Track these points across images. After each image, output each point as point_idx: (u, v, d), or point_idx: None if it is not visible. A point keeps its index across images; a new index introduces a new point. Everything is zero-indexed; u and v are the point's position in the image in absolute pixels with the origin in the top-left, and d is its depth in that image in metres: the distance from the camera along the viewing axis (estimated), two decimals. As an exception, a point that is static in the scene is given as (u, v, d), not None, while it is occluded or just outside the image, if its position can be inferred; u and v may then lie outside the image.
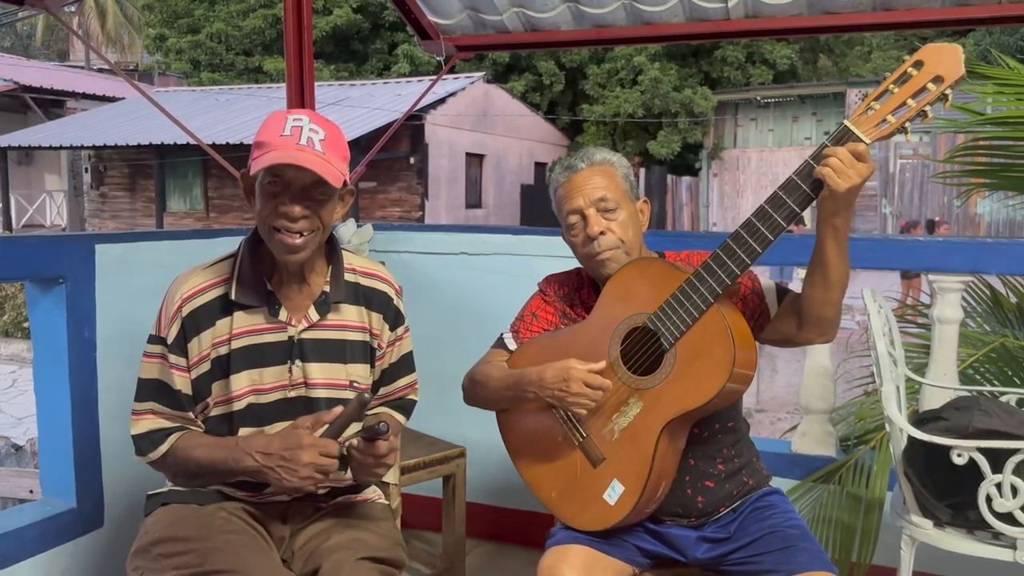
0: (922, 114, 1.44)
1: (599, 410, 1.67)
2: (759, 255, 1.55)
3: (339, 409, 1.55)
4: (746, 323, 1.64)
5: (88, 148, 19.22)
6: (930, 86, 1.42)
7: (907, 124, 1.45)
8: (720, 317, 1.57)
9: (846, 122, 1.47)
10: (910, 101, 1.43)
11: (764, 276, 1.77)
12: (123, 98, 21.07)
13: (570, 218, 1.77)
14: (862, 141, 1.45)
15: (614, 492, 1.66)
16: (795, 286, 1.76)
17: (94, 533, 2.28)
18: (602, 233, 1.72)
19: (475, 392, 1.86)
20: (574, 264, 1.93)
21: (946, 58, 1.41)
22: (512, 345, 1.87)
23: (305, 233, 1.57)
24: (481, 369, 1.85)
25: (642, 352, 1.67)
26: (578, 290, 1.88)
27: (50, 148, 19.21)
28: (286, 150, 1.51)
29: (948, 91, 1.42)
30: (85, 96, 21.68)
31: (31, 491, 5.07)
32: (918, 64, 1.43)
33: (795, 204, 1.50)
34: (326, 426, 1.55)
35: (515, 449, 1.86)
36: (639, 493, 1.63)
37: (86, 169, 20.72)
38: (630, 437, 1.65)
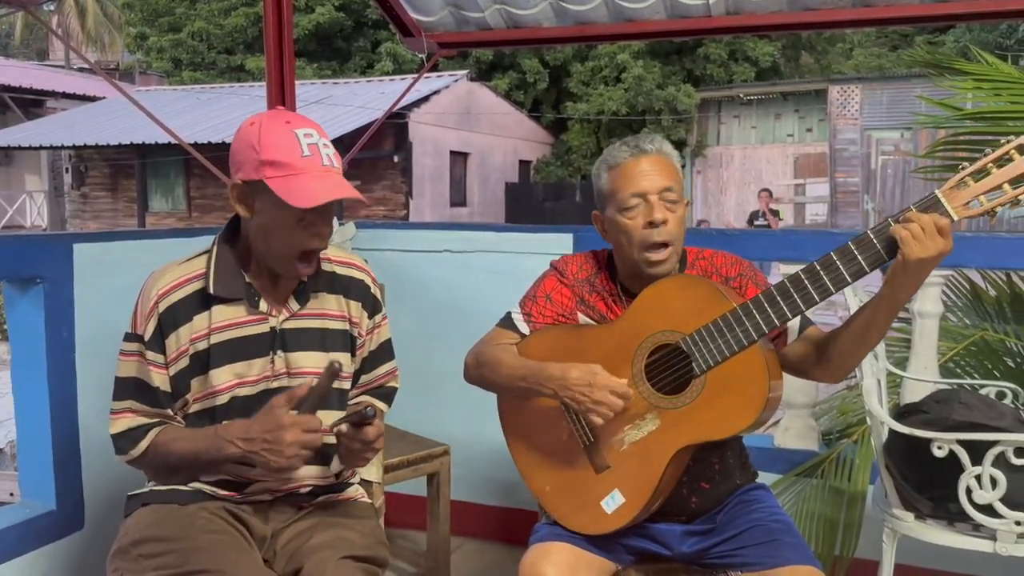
0: (1015, 201, 1.38)
1: (613, 418, 1.63)
2: (815, 304, 1.51)
3: (311, 381, 1.53)
4: (778, 363, 1.62)
5: (68, 148, 19.06)
6: None
7: (997, 208, 1.40)
8: (760, 355, 1.55)
9: (937, 192, 1.42)
10: (1007, 187, 1.38)
11: None
12: (103, 97, 20.89)
13: (631, 200, 1.67)
14: (949, 215, 1.40)
15: (613, 501, 1.65)
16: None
17: (74, 535, 2.25)
18: (664, 221, 1.65)
19: (481, 374, 1.79)
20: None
21: None
22: (524, 328, 1.80)
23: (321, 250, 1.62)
24: (491, 352, 1.77)
25: (668, 371, 1.64)
26: (595, 275, 1.81)
27: (30, 148, 19.03)
28: (316, 176, 1.50)
29: None
30: (65, 95, 21.49)
31: (11, 494, 5.04)
32: (1022, 148, 1.37)
33: (865, 262, 1.47)
34: (301, 402, 1.52)
35: (514, 434, 1.81)
36: (639, 508, 1.63)
37: (66, 169, 20.55)
38: (640, 452, 1.63)
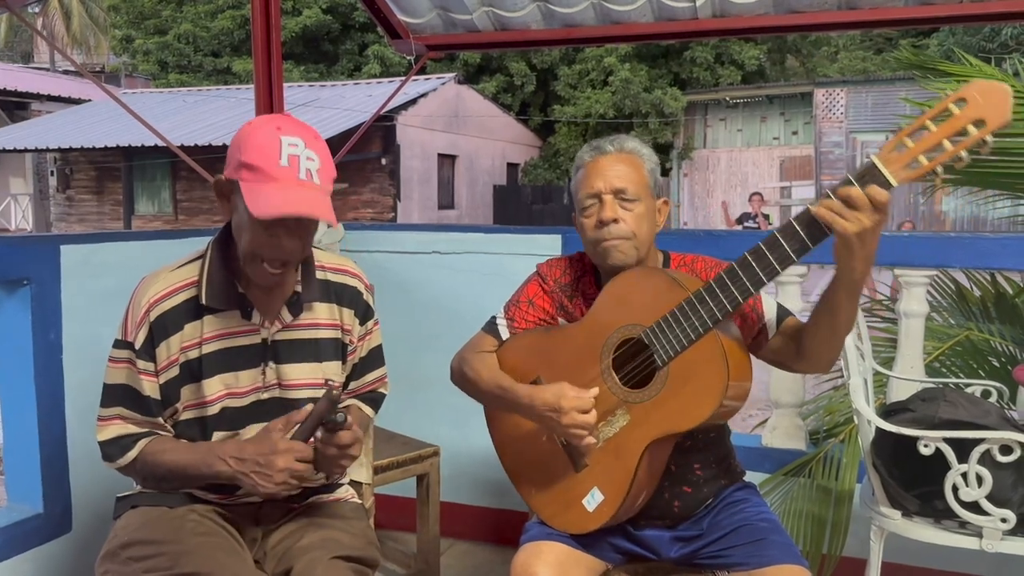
0: (956, 158, 1.30)
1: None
2: (763, 284, 1.50)
3: (309, 407, 1.53)
4: (744, 351, 1.60)
5: (54, 150, 18.95)
6: (970, 128, 1.28)
7: (939, 168, 1.32)
8: (718, 344, 1.52)
9: (873, 157, 1.35)
10: (946, 143, 1.30)
11: (767, 295, 1.72)
12: (89, 100, 20.80)
13: (587, 200, 1.70)
14: (888, 182, 1.35)
15: (593, 499, 1.66)
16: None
17: (62, 538, 2.24)
18: (615, 220, 1.66)
19: (463, 383, 1.82)
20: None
21: (993, 99, 1.27)
22: (505, 334, 1.82)
23: (290, 262, 1.55)
24: (472, 362, 1.80)
25: (635, 364, 1.64)
26: (579, 279, 1.82)
27: (14, 151, 18.90)
28: (287, 186, 1.44)
29: (989, 137, 1.27)
30: (50, 98, 21.39)
31: (-3, 498, 4.98)
32: (960, 102, 1.29)
33: (806, 236, 1.44)
34: (297, 427, 1.53)
35: (500, 436, 1.84)
36: (619, 504, 1.63)
37: (52, 172, 20.42)
38: (615, 448, 1.63)
